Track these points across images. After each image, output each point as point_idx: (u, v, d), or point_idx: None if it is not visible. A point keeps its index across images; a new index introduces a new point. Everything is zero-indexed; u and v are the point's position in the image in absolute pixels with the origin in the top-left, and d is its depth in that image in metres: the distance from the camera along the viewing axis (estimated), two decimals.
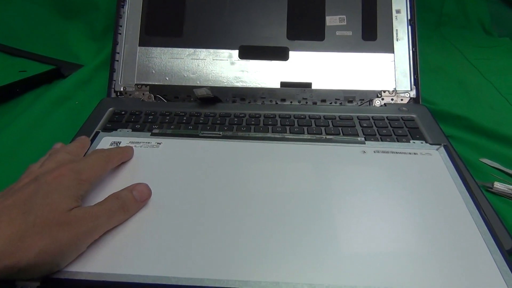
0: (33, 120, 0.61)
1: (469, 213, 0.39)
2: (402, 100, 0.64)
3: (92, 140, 0.49)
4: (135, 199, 0.37)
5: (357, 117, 0.58)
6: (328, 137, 0.50)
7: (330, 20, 0.67)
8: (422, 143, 0.50)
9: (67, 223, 0.31)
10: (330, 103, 0.64)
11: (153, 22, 0.67)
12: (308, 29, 0.66)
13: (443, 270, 0.34)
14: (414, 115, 0.59)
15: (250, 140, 0.49)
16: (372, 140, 0.52)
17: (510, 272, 0.33)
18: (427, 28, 0.97)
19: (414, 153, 0.48)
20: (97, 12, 0.87)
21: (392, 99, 0.64)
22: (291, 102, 0.64)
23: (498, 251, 0.35)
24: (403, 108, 0.61)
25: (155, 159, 0.46)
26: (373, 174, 0.44)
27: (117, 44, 0.66)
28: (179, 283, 0.32)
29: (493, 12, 1.00)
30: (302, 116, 0.58)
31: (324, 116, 0.58)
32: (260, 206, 0.40)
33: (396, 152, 0.48)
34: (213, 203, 0.40)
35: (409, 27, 0.66)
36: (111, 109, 0.60)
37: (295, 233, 0.37)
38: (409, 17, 0.66)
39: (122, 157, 0.43)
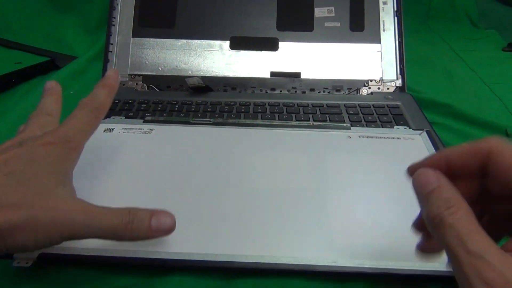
0: (29, 109, 0.61)
1: None
2: (388, 89, 0.66)
3: None
4: (149, 227, 0.30)
5: (344, 105, 0.60)
6: (315, 123, 0.52)
7: (319, 12, 0.68)
8: (405, 128, 0.53)
9: (53, 207, 0.28)
10: (319, 92, 0.65)
11: (146, 14, 0.68)
12: (297, 20, 0.68)
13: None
14: (399, 103, 0.61)
15: (240, 127, 0.51)
16: (357, 126, 0.54)
17: None
18: (416, 21, 0.99)
19: (398, 138, 0.50)
20: (91, 5, 0.88)
21: (378, 88, 0.66)
22: (280, 91, 0.66)
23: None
24: (389, 96, 0.63)
25: (147, 145, 0.48)
26: (357, 158, 0.46)
27: (111, 35, 0.67)
28: (169, 257, 0.34)
29: (480, 5, 1.02)
30: (290, 104, 0.60)
31: (312, 104, 0.60)
32: (247, 186, 0.42)
33: (380, 137, 0.50)
34: (203, 185, 0.42)
35: (395, 18, 0.68)
36: None
37: (281, 211, 0.39)
38: (395, 9, 0.68)
39: (110, 95, 0.37)
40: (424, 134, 0.50)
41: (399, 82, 0.66)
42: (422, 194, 0.26)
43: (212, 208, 0.39)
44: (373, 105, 0.60)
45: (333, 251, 0.35)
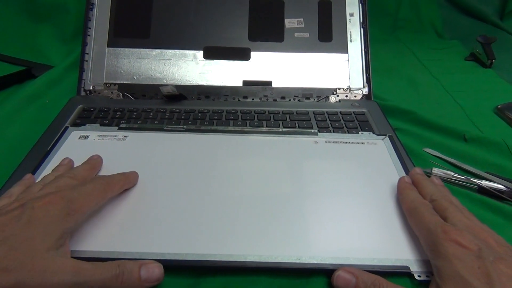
0: (4, 118, 0.63)
1: None
2: (355, 96, 0.69)
3: (61, 135, 0.52)
4: (139, 278, 0.32)
5: (313, 112, 0.63)
6: (284, 129, 0.55)
7: (289, 23, 0.71)
8: (369, 134, 0.55)
9: (41, 270, 0.29)
10: (289, 100, 0.68)
11: (121, 24, 0.70)
12: (268, 31, 0.71)
13: (379, 240, 0.39)
14: (365, 110, 0.64)
15: (212, 133, 0.53)
16: (325, 132, 0.56)
17: None
18: (384, 31, 1.03)
19: (362, 143, 0.53)
20: (67, 15, 0.89)
21: (346, 96, 0.69)
22: (252, 99, 0.68)
23: None
24: (356, 103, 0.66)
25: (122, 151, 0.49)
26: (322, 162, 0.49)
27: (86, 45, 0.69)
28: (143, 258, 0.36)
29: (445, 16, 1.07)
30: (262, 111, 0.62)
31: (282, 112, 0.62)
32: (218, 190, 0.44)
33: (345, 142, 0.53)
34: (176, 189, 0.44)
35: (362, 29, 0.71)
36: (80, 106, 0.63)
37: (249, 213, 0.41)
38: (361, 20, 0.71)
39: (125, 183, 0.41)
40: (387, 139, 0.53)
41: (365, 90, 0.69)
42: None
43: (184, 210, 0.41)
44: (340, 112, 0.63)
45: (298, 249, 0.37)
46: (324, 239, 0.39)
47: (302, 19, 0.71)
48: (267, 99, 0.68)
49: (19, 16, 0.91)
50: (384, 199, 0.43)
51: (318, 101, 0.68)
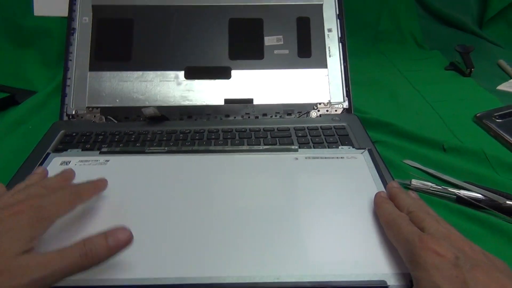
0: None
1: None
2: (336, 110, 0.70)
3: (42, 162, 0.52)
4: (108, 247, 0.33)
5: (294, 128, 0.63)
6: (265, 147, 0.55)
7: (268, 40, 0.72)
8: (349, 148, 0.56)
9: (11, 271, 0.30)
10: (271, 116, 0.69)
11: (103, 48, 0.71)
12: (248, 49, 0.72)
13: (358, 255, 0.39)
14: (345, 124, 0.65)
15: (193, 154, 0.54)
16: (305, 148, 0.57)
17: None
18: (365, 43, 1.04)
19: (341, 157, 0.53)
20: (50, 40, 0.90)
21: (327, 110, 0.69)
22: (234, 117, 0.69)
23: None
24: (336, 118, 0.67)
25: (102, 176, 0.49)
26: (302, 178, 0.49)
27: (68, 70, 0.69)
28: (122, 284, 0.36)
29: (424, 27, 1.09)
30: (243, 129, 0.63)
31: (263, 129, 0.63)
32: (196, 211, 0.44)
33: (325, 157, 0.53)
34: (153, 211, 0.44)
35: (340, 44, 0.72)
36: (62, 131, 0.63)
37: (229, 232, 0.41)
38: (339, 35, 0.72)
39: (94, 191, 0.42)
40: (366, 152, 0.54)
41: (346, 104, 0.70)
42: None
43: (161, 233, 0.41)
44: (320, 127, 0.63)
45: (276, 268, 0.37)
46: (303, 256, 0.39)
47: (281, 36, 0.72)
48: (249, 117, 0.69)
49: (3, 42, 0.91)
50: (363, 213, 0.44)
51: (299, 116, 0.69)
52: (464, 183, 0.53)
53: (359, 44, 1.01)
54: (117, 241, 0.34)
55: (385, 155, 0.59)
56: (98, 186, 0.43)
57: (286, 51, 0.72)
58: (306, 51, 0.72)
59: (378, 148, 0.59)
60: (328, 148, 0.58)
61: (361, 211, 0.44)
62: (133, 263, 0.38)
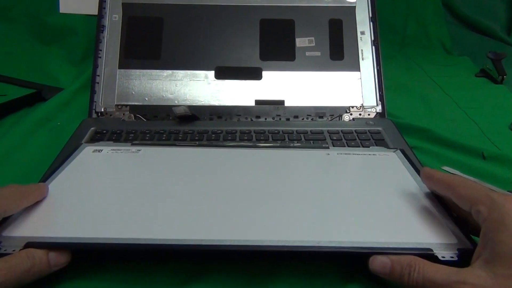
0: (15, 142, 0.62)
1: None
2: (369, 114, 0.68)
3: (74, 151, 0.51)
4: (49, 265, 0.33)
5: (328, 131, 0.62)
6: (296, 144, 0.55)
7: (300, 42, 0.71)
8: (380, 148, 0.56)
9: None
10: (302, 119, 0.67)
11: (132, 46, 0.70)
12: (279, 50, 0.71)
13: (399, 226, 0.38)
14: (380, 128, 0.63)
15: (224, 148, 0.53)
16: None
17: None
18: (392, 48, 1.03)
19: (373, 154, 0.53)
20: (75, 37, 0.90)
21: (360, 114, 0.68)
22: (265, 119, 0.67)
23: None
24: (370, 122, 0.65)
25: (135, 163, 0.49)
26: (335, 169, 0.49)
27: (97, 67, 0.68)
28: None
29: (452, 33, 1.07)
30: (276, 131, 0.62)
31: (296, 131, 0.62)
32: (233, 185, 0.44)
33: (357, 154, 0.53)
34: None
35: (373, 47, 0.71)
36: (92, 128, 0.62)
37: (261, 201, 0.41)
38: (372, 38, 0.71)
39: (39, 194, 0.40)
40: (399, 151, 0.53)
41: (379, 108, 0.68)
42: (387, 274, 0.33)
43: (200, 199, 0.41)
44: (355, 131, 0.62)
45: (318, 233, 0.36)
46: (343, 224, 0.38)
47: (313, 37, 0.71)
48: (280, 119, 0.67)
49: (28, 39, 0.91)
50: (403, 193, 0.43)
51: (331, 119, 0.67)
52: (509, 192, 0.51)
53: (386, 49, 0.98)
54: (58, 259, 0.34)
55: (423, 161, 0.57)
56: (41, 189, 0.41)
57: (318, 53, 0.71)
58: (339, 54, 0.71)
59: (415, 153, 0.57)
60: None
61: (401, 192, 0.43)
62: (150, 223, 0.37)
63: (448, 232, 0.36)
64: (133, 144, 0.53)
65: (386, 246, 0.35)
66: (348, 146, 0.58)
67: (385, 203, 0.41)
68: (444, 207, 0.40)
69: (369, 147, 0.57)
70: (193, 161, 0.49)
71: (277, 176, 0.46)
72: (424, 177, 0.41)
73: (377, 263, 0.34)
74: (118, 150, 0.52)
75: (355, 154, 0.52)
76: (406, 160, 0.50)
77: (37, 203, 0.39)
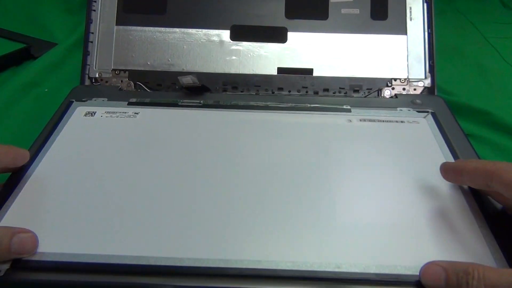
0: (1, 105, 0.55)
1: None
2: (415, 89, 0.56)
3: (65, 111, 0.47)
4: (9, 249, 0.29)
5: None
6: (312, 105, 0.49)
7: None
8: (409, 110, 0.50)
9: None
10: (334, 93, 0.56)
11: None
12: (309, 6, 0.58)
13: (433, 242, 0.32)
14: (430, 110, 0.51)
15: (231, 109, 0.48)
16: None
17: (496, 244, 0.31)
18: (441, 1, 0.88)
19: (401, 121, 0.47)
20: None
21: (404, 89, 0.56)
22: (289, 91, 0.56)
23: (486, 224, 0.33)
24: (417, 101, 0.53)
25: (132, 131, 0.45)
26: (358, 145, 0.43)
27: (91, 22, 0.57)
28: (158, 263, 0.30)
29: None
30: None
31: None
32: (242, 178, 0.38)
33: (382, 121, 0.47)
34: (194, 177, 0.38)
35: (425, 4, 0.58)
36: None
37: (277, 209, 0.35)
38: None
39: (22, 159, 0.38)
40: (430, 116, 0.47)
41: (427, 82, 0.56)
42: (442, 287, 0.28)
43: (204, 204, 0.35)
44: None
45: (336, 255, 0.31)
46: (366, 243, 0.32)
47: None
48: (307, 92, 0.56)
49: None
50: (434, 194, 0.36)
51: (368, 94, 0.56)
52: None
53: (434, 1, 0.85)
54: (21, 247, 0.30)
55: (480, 153, 0.46)
56: (19, 153, 0.38)
57: (357, 11, 0.58)
58: (381, 12, 0.58)
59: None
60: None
61: (432, 189, 0.37)
62: (163, 238, 0.32)
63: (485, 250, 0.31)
64: (129, 104, 0.49)
65: (414, 272, 0.29)
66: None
67: (415, 210, 0.35)
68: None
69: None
70: (194, 132, 0.44)
71: (290, 161, 0.40)
72: (453, 173, 0.35)
73: (429, 275, 0.29)
74: (113, 113, 0.47)
75: (379, 121, 0.47)
76: (439, 132, 0.45)
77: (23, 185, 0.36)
